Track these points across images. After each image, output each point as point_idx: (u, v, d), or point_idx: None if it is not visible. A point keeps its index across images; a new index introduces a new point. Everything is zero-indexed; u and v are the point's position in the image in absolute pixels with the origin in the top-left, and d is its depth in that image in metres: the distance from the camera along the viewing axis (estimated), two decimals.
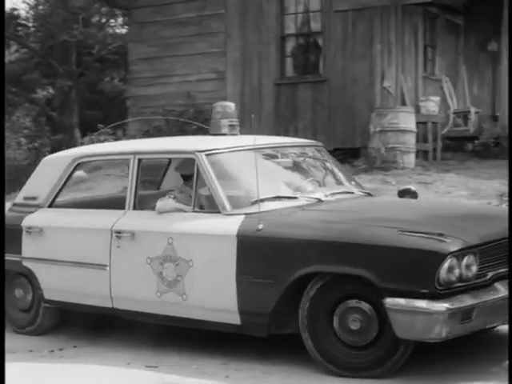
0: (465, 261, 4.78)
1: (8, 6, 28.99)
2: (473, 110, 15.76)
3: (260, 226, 5.23)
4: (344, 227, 5.15)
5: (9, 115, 25.03)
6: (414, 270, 4.74)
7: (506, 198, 9.96)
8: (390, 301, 4.76)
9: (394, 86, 14.41)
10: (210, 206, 5.69)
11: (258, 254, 5.30)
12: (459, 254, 4.75)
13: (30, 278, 6.53)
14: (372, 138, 13.01)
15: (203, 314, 5.56)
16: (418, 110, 14.49)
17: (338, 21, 14.30)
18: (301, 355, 5.51)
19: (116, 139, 14.76)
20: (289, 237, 5.21)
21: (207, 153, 5.76)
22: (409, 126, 12.95)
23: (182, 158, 6.22)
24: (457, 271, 4.74)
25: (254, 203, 5.48)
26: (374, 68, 14.06)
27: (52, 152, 21.02)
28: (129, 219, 5.97)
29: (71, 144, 22.52)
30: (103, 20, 26.23)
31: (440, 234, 4.78)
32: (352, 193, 6.25)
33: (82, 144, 15.74)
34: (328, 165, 6.52)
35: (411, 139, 13.01)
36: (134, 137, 14.90)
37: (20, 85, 25.14)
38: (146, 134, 14.84)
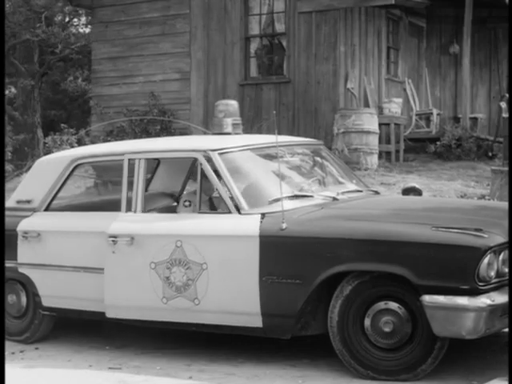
0: (501, 256, 4.78)
1: None
2: (435, 111, 15.93)
3: (284, 226, 5.12)
4: (375, 225, 5.08)
5: None
6: (453, 266, 4.68)
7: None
8: (428, 298, 4.71)
9: (357, 87, 14.51)
10: (215, 206, 5.58)
11: (282, 253, 5.16)
12: (497, 249, 4.74)
13: (25, 284, 6.28)
14: (335, 139, 13.08)
15: (218, 318, 5.38)
16: (380, 111, 14.61)
17: (302, 22, 14.36)
18: (266, 355, 5.53)
19: (79, 139, 14.64)
20: (317, 235, 5.09)
21: (220, 151, 5.62)
22: (372, 128, 13.04)
23: (193, 158, 6.00)
24: (495, 266, 4.73)
25: (271, 202, 5.41)
26: (338, 69, 14.14)
27: (13, 152, 20.87)
28: (125, 222, 5.71)
29: (33, 144, 22.34)
30: (66, 19, 26.02)
31: (477, 230, 4.75)
32: (361, 191, 6.23)
33: (45, 144, 15.62)
34: (331, 163, 6.46)
35: (374, 140, 13.10)
36: (97, 137, 14.82)
37: None
38: (110, 135, 14.77)
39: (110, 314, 5.78)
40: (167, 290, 5.47)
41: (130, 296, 5.66)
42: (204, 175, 5.58)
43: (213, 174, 5.56)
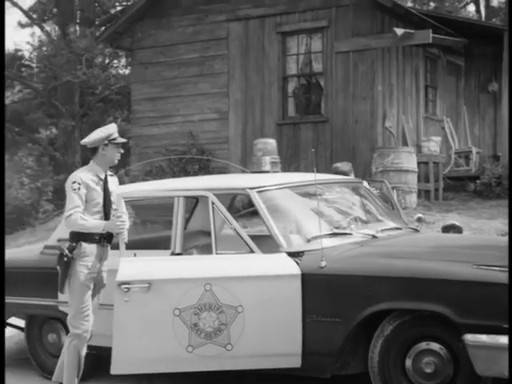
0: None
1: (12, 47, 29.25)
2: (474, 150, 15.82)
3: (323, 263, 5.09)
4: (415, 263, 5.03)
5: (11, 155, 25.11)
6: (495, 304, 4.61)
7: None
8: (470, 337, 4.64)
9: (395, 126, 14.49)
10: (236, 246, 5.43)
11: (322, 291, 5.11)
12: None
13: (65, 323, 6.13)
14: (374, 178, 13.01)
15: (252, 362, 5.21)
16: (419, 150, 14.54)
17: (339, 62, 14.42)
18: None
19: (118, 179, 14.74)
20: (356, 273, 5.05)
21: (258, 190, 5.61)
22: (411, 166, 12.98)
23: (232, 195, 5.97)
24: None
25: (310, 240, 5.37)
26: (376, 108, 14.13)
27: (54, 192, 21.09)
28: (139, 267, 5.39)
29: None
30: (107, 61, 26.42)
31: None
32: (400, 229, 6.21)
33: None
34: (370, 201, 6.45)
35: (413, 179, 13.03)
36: (136, 177, 14.93)
37: (23, 125, 25.26)
38: (149, 174, 14.87)
39: (116, 370, 5.37)
40: (194, 337, 5.18)
41: (148, 348, 5.27)
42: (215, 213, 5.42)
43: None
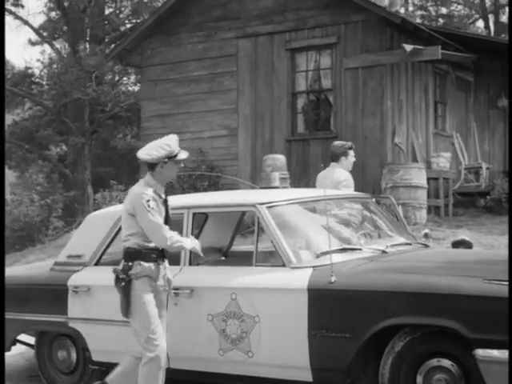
0: None
1: (22, 64, 29.44)
2: (484, 165, 15.79)
3: (333, 279, 5.09)
4: (425, 278, 5.02)
5: (22, 172, 25.20)
6: (506, 319, 4.56)
7: None
8: (481, 352, 4.60)
9: (404, 142, 14.48)
10: (270, 259, 5.57)
11: (332, 307, 5.12)
12: None
13: (75, 339, 6.29)
14: (383, 194, 13.00)
15: (270, 371, 5.36)
16: (429, 165, 14.52)
17: (348, 78, 14.44)
18: None
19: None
20: (366, 288, 5.04)
21: (268, 205, 5.64)
22: (420, 182, 12.97)
23: (241, 211, 6.06)
24: None
25: (320, 255, 5.39)
26: (385, 124, 14.13)
27: (64, 209, 21.14)
28: (186, 275, 5.75)
29: (83, 201, 22.61)
30: (116, 78, 26.54)
31: None
32: (410, 244, 6.20)
33: (95, 201, 15.80)
34: (380, 217, 6.45)
35: (423, 195, 13.01)
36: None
37: (33, 142, 25.38)
38: None
39: (173, 365, 5.74)
40: (223, 342, 5.49)
41: (190, 347, 5.67)
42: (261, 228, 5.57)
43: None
